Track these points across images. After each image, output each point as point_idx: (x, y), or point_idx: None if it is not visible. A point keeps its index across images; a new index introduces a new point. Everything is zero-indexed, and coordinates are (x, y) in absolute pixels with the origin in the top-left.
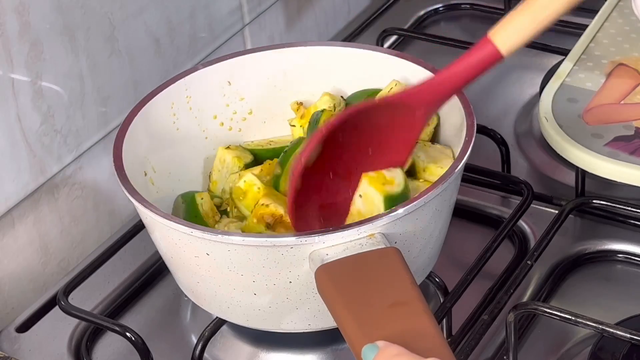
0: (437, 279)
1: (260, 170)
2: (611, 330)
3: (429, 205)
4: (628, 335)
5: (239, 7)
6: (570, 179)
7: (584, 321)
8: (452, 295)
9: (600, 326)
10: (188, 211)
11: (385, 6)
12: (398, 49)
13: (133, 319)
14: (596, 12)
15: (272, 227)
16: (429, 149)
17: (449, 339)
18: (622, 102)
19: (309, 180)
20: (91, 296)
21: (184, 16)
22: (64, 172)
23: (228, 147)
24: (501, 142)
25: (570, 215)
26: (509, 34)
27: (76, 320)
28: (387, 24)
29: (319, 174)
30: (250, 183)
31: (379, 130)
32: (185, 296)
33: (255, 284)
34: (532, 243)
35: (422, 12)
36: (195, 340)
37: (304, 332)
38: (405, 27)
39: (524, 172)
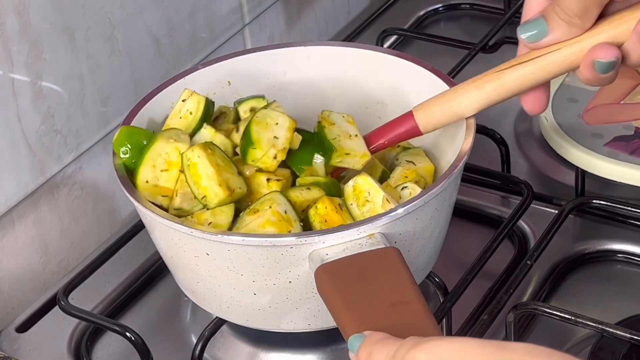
0: (437, 279)
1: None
2: (611, 330)
3: (429, 205)
4: (628, 335)
5: (239, 7)
6: (570, 179)
7: (584, 321)
8: (452, 295)
9: (600, 326)
10: None
11: (385, 6)
12: (398, 49)
13: (133, 319)
14: None
15: None
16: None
17: None
18: (622, 102)
19: None
20: (91, 296)
21: (184, 16)
22: (64, 172)
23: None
24: (501, 142)
25: (570, 215)
26: (427, 116)
27: (76, 320)
28: (387, 24)
29: None
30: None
31: None
32: (185, 296)
33: (255, 284)
34: (532, 243)
35: (422, 12)
36: (195, 340)
37: (304, 332)
38: (405, 27)
39: (524, 172)
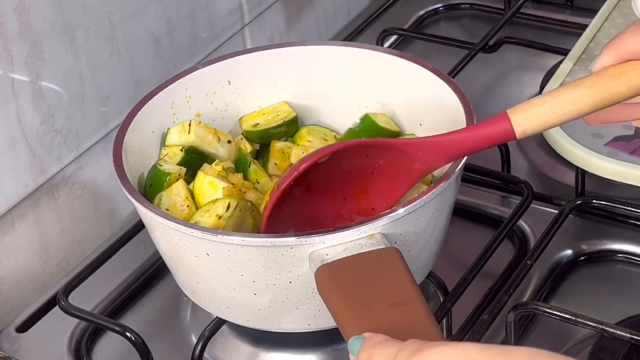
0: (437, 279)
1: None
2: (611, 330)
3: (429, 205)
4: (628, 335)
5: (239, 7)
6: (570, 179)
7: (584, 321)
8: (452, 295)
9: (600, 326)
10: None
11: (385, 6)
12: (398, 49)
13: (133, 319)
14: (596, 12)
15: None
16: None
17: (449, 339)
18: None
19: (292, 191)
20: (91, 296)
21: (184, 16)
22: (64, 172)
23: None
24: None
25: (570, 215)
26: (527, 118)
27: (76, 320)
28: (387, 24)
29: (304, 191)
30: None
31: (373, 167)
32: (185, 296)
33: (255, 284)
34: (532, 243)
35: (422, 12)
36: (195, 340)
37: (304, 332)
38: (405, 27)
39: (524, 172)
